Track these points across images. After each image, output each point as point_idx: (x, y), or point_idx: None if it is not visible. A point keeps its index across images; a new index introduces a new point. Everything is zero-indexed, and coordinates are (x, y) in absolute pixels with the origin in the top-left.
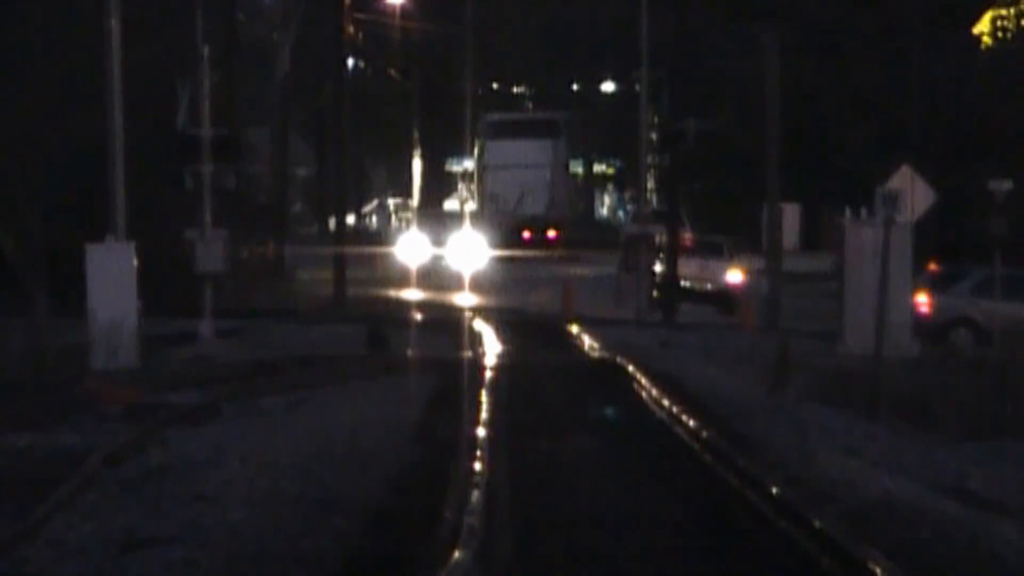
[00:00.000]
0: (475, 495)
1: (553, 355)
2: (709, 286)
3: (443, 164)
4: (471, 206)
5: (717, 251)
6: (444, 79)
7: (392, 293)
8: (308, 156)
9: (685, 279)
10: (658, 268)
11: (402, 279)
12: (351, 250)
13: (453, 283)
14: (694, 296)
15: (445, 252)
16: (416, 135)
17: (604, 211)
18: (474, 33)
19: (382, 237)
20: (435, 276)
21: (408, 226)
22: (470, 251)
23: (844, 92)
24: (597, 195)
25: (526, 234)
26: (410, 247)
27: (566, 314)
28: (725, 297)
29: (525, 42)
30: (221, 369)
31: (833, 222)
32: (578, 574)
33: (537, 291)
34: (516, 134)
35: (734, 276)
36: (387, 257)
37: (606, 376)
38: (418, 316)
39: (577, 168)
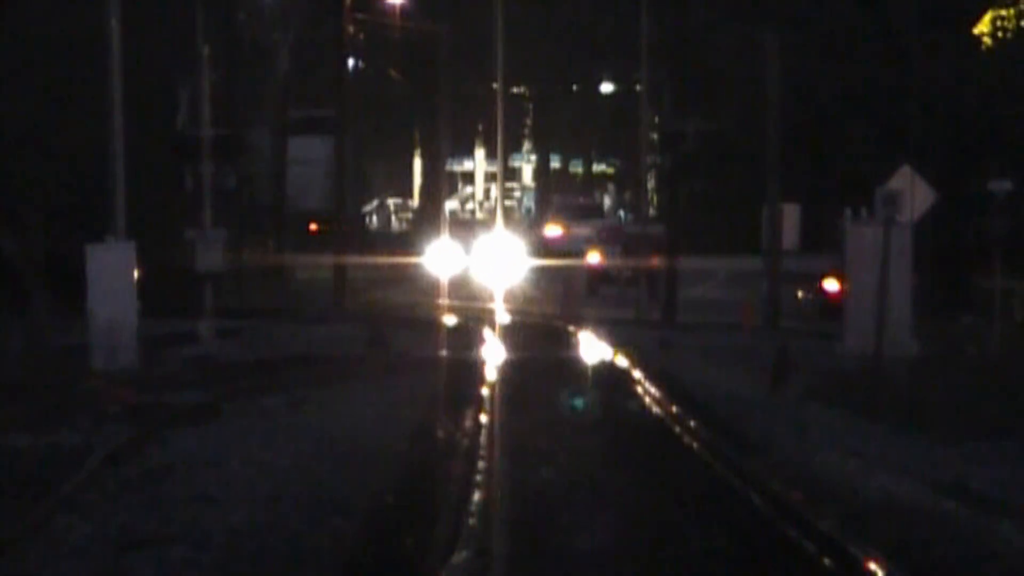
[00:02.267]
0: (475, 495)
1: (552, 355)
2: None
3: (443, 164)
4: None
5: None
6: (444, 79)
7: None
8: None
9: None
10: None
11: (432, 289)
12: (381, 260)
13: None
14: (618, 281)
15: (474, 262)
16: (416, 135)
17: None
18: (473, 33)
19: (410, 244)
20: (466, 287)
21: (406, 225)
22: (504, 260)
23: (844, 92)
24: (597, 195)
25: (312, 226)
26: (441, 256)
27: (566, 314)
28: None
29: (525, 42)
30: (221, 369)
31: (833, 222)
32: (577, 573)
33: (536, 292)
34: (303, 130)
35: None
36: (416, 268)
37: (605, 375)
38: (423, 318)
39: (577, 168)
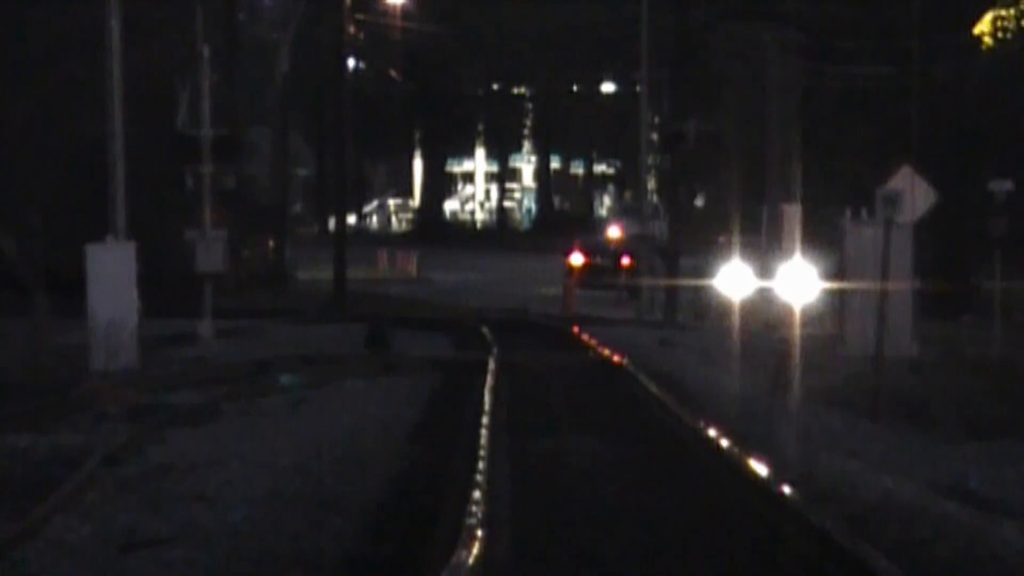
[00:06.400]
0: (475, 494)
1: (553, 354)
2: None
3: (443, 164)
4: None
5: None
6: (444, 79)
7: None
8: (308, 156)
9: None
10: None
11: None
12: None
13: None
14: None
15: (774, 284)
16: (416, 135)
17: (603, 211)
18: (475, 33)
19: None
20: (761, 309)
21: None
22: (800, 282)
23: (844, 92)
24: (597, 195)
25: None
26: (733, 279)
27: (566, 314)
28: None
29: (525, 42)
30: (221, 369)
31: (833, 222)
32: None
33: (538, 291)
34: None
35: None
36: (708, 289)
37: (606, 376)
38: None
39: (578, 169)
